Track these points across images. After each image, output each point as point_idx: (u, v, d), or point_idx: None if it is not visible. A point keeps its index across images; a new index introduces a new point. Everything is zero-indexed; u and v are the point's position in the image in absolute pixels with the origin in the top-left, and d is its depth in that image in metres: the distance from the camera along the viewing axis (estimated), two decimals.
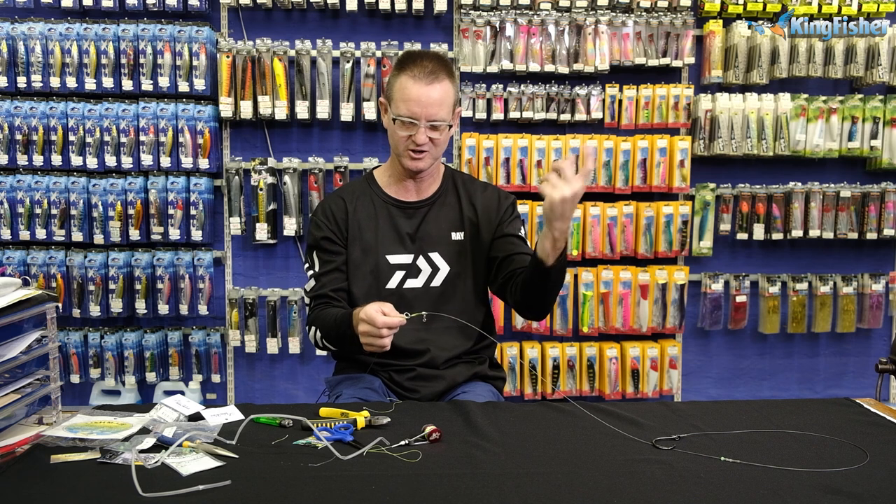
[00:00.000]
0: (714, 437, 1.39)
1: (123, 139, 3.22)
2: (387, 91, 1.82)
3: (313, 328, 1.78)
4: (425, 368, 1.81)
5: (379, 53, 3.23)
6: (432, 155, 1.80)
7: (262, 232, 3.29)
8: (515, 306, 1.81)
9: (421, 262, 1.84)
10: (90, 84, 3.20)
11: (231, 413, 1.44)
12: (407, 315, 1.56)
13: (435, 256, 1.84)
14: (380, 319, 1.53)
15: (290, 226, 3.29)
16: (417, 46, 3.23)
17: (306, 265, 1.89)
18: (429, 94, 1.73)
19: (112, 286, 3.25)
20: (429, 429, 1.34)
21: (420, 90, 1.73)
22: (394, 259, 1.83)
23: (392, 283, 1.83)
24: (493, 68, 3.26)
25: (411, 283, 1.83)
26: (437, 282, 1.84)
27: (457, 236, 1.86)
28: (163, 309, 3.29)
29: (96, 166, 3.23)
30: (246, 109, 3.21)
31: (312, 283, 1.84)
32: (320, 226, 1.86)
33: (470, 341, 1.87)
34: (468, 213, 1.88)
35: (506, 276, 1.81)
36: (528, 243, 1.89)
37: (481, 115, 3.29)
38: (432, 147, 1.78)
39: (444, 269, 1.84)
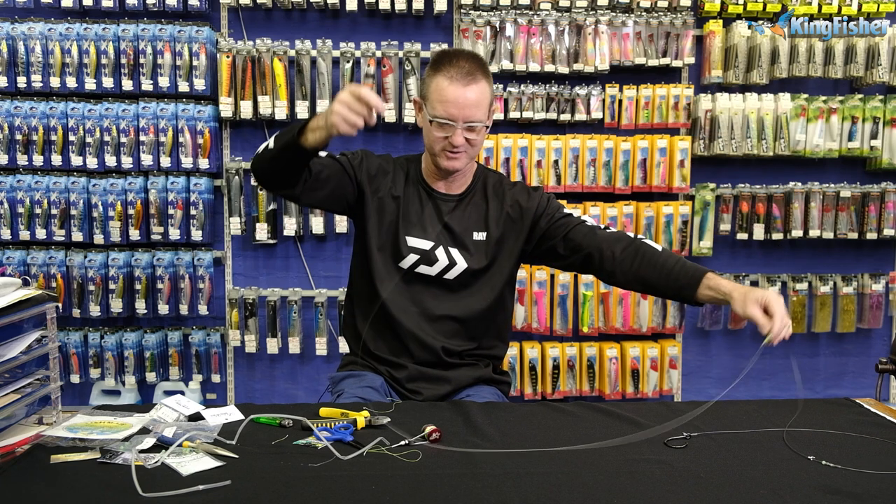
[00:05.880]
0: (714, 437, 1.39)
1: (123, 139, 3.22)
2: (422, 90, 1.79)
3: (266, 143, 1.69)
4: (428, 368, 1.81)
5: (379, 53, 3.23)
6: (468, 155, 1.79)
7: (262, 232, 3.29)
8: (618, 284, 1.82)
9: (440, 252, 1.81)
10: (90, 84, 3.20)
11: (231, 413, 1.44)
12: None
13: (454, 252, 1.82)
14: (365, 90, 1.50)
15: (290, 226, 3.29)
16: (417, 47, 3.23)
17: None
18: (466, 95, 1.71)
19: (112, 286, 3.25)
20: (429, 429, 1.34)
21: (457, 92, 1.71)
22: (412, 241, 1.82)
23: (406, 263, 1.82)
24: (493, 68, 3.25)
25: (424, 269, 1.82)
26: (450, 275, 1.82)
27: (478, 236, 1.84)
28: (163, 309, 3.29)
29: (96, 166, 3.23)
30: (246, 109, 3.21)
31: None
32: (353, 158, 1.83)
33: (474, 342, 1.86)
34: (494, 214, 1.85)
35: (583, 254, 1.80)
36: (572, 215, 1.87)
37: None
38: (468, 147, 1.77)
39: (461, 265, 1.81)
